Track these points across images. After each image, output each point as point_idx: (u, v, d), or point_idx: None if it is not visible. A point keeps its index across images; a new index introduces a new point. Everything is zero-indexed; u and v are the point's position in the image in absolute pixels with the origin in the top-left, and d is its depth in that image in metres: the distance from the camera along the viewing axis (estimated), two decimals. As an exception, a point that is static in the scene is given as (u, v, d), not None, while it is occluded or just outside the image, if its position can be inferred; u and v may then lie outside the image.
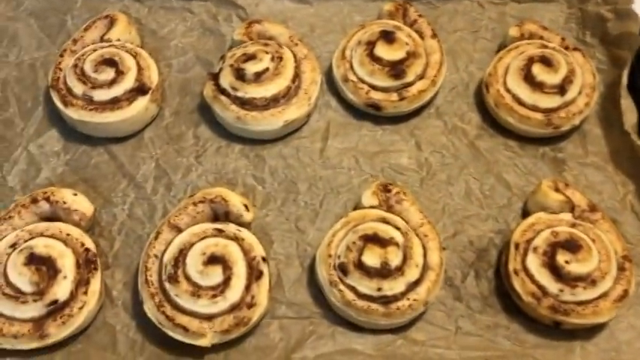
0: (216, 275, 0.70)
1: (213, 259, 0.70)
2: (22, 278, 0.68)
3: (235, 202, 0.76)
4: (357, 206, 0.80)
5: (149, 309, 0.71)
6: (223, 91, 0.84)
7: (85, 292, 0.70)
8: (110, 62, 0.82)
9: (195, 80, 0.90)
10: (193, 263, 0.70)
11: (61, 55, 0.85)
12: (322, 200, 0.82)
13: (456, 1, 0.97)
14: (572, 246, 0.73)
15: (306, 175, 0.84)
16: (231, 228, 0.74)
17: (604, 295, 0.71)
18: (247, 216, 0.76)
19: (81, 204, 0.76)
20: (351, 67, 0.87)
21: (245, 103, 0.83)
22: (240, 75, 0.83)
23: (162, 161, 0.84)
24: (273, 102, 0.83)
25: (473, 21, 0.96)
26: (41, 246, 0.70)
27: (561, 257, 0.72)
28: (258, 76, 0.83)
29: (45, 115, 0.87)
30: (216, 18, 0.95)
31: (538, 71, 0.84)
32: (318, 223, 0.81)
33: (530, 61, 0.86)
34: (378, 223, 0.74)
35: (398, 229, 0.74)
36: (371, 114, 0.87)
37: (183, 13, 0.95)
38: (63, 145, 0.85)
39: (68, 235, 0.73)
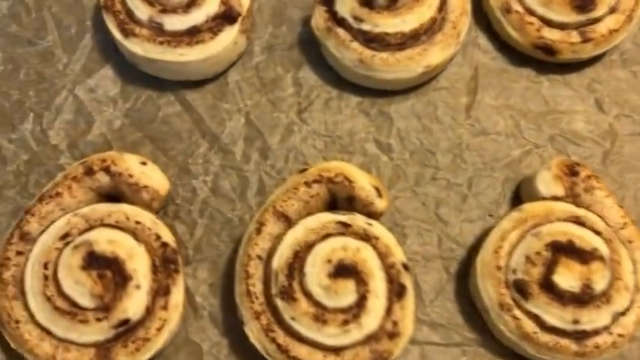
0: (347, 293, 0.50)
1: (342, 270, 0.50)
2: (80, 288, 0.49)
3: (364, 183, 0.54)
4: (526, 192, 0.58)
5: (252, 332, 0.51)
6: (341, 22, 0.60)
7: (165, 307, 0.51)
8: (186, -25, 0.59)
9: (294, 2, 0.67)
10: (316, 274, 0.50)
11: (116, -37, 0.62)
12: (471, 179, 0.61)
13: None
14: None
15: (448, 143, 0.62)
16: (358, 221, 0.54)
17: None
18: (380, 204, 0.55)
19: (153, 178, 0.55)
20: (518, -8, 0.62)
21: (372, 40, 0.59)
22: (366, 0, 0.59)
23: (254, 116, 0.63)
24: (411, 39, 0.60)
25: None
26: (104, 242, 0.50)
27: None
28: (393, 2, 0.59)
29: (95, 46, 0.64)
30: None
31: None
32: (466, 211, 0.60)
33: None
34: (570, 224, 0.53)
35: (598, 233, 0.53)
36: (534, 58, 0.64)
37: None
38: (120, 89, 0.63)
39: (138, 223, 0.53)
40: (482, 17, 0.66)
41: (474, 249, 0.58)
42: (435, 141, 0.62)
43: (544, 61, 0.64)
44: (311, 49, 0.65)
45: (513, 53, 0.66)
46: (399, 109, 0.63)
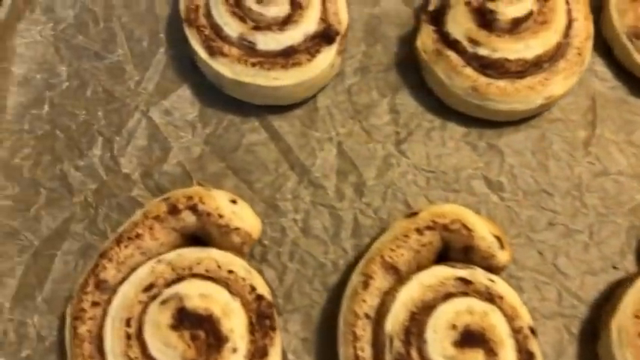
0: (477, 366, 0.44)
1: (469, 338, 0.44)
2: (171, 351, 0.42)
3: (484, 232, 0.48)
4: (660, 243, 0.52)
5: (362, 405, 0.45)
6: (453, 44, 0.54)
7: (263, 373, 0.45)
8: (283, -12, 0.52)
9: (390, 18, 0.61)
10: (439, 342, 0.43)
11: (199, -31, 0.55)
12: (592, 225, 0.54)
13: None
14: None
15: (567, 184, 0.55)
16: (480, 277, 0.47)
17: None
18: (502, 256, 0.48)
19: (245, 219, 0.48)
20: (649, 15, 0.55)
21: (488, 67, 0.53)
22: (485, 21, 0.52)
23: (347, 146, 0.56)
24: (533, 67, 0.53)
25: None
26: (196, 296, 0.44)
27: None
28: (516, 25, 0.52)
29: (170, 63, 0.58)
30: None
31: None
32: (588, 262, 0.53)
33: None
34: None
35: None
36: (658, 88, 0.57)
37: None
38: (199, 112, 0.57)
39: (231, 272, 0.46)
40: (600, 42, 0.60)
41: (600, 307, 0.51)
42: (551, 180, 0.56)
43: (671, 91, 0.58)
44: (410, 71, 0.58)
45: (633, 82, 0.59)
46: (510, 142, 0.57)
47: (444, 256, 0.50)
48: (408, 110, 0.58)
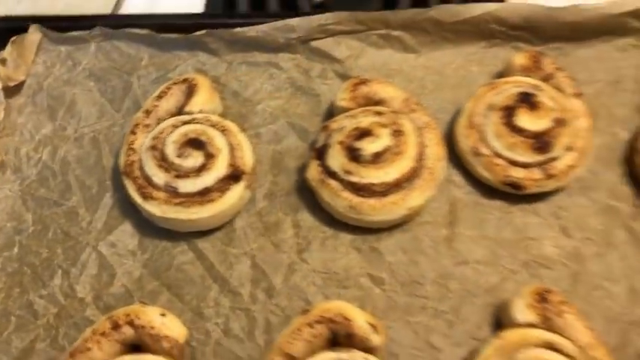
0: None
1: (346, 407, 0.56)
2: None
3: (360, 322, 0.61)
4: (505, 318, 0.65)
5: None
6: (333, 174, 0.69)
7: None
8: (196, 143, 0.68)
9: (290, 153, 0.76)
10: (323, 414, 0.56)
11: (133, 132, 0.71)
12: (456, 306, 0.68)
13: (590, 44, 0.82)
14: None
15: (433, 274, 0.69)
16: (357, 357, 0.60)
17: None
18: (375, 339, 0.61)
19: (171, 328, 0.62)
20: (484, 138, 0.71)
21: (360, 189, 0.68)
22: (354, 156, 0.68)
23: (259, 259, 0.70)
24: (394, 187, 0.68)
25: (612, 69, 0.80)
26: (131, 394, 0.57)
27: None
28: (377, 157, 0.68)
29: (115, 204, 0.73)
30: (308, 74, 0.80)
31: None
32: (453, 336, 0.66)
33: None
34: (543, 350, 0.59)
35: (570, 357, 0.59)
36: (502, 191, 0.73)
37: (269, 69, 0.80)
38: (138, 242, 0.71)
39: (163, 372, 0.59)
40: (455, 157, 0.76)
41: (464, 373, 0.64)
42: (421, 272, 0.69)
43: (513, 193, 0.73)
44: (307, 194, 0.73)
45: (485, 187, 0.74)
46: (387, 245, 0.71)
47: (335, 341, 0.63)
48: (306, 225, 0.72)
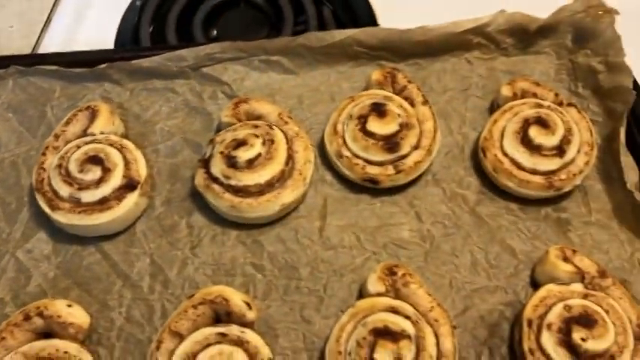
0: (227, 391, 0.67)
1: (221, 373, 0.68)
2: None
3: (236, 301, 0.73)
4: (363, 291, 0.77)
5: None
6: (215, 180, 0.81)
7: (89, 417, 0.67)
8: (95, 160, 0.79)
9: (185, 165, 0.88)
10: (199, 381, 0.67)
11: (44, 154, 0.82)
12: (326, 285, 0.80)
13: (444, 59, 0.96)
14: (587, 321, 0.71)
15: (307, 259, 0.81)
16: (234, 330, 0.71)
17: (623, 372, 0.70)
18: (250, 315, 0.73)
19: (76, 316, 0.73)
20: (344, 142, 0.84)
21: (239, 191, 0.80)
22: (231, 163, 0.80)
23: (157, 256, 0.81)
24: (267, 187, 0.80)
25: (462, 79, 0.95)
26: (39, 373, 0.67)
27: (577, 335, 0.70)
28: (251, 163, 0.80)
29: (31, 217, 0.83)
30: (200, 96, 0.92)
31: (535, 134, 0.83)
32: (323, 310, 0.78)
33: (526, 123, 0.84)
34: (388, 313, 0.72)
35: (408, 318, 0.71)
36: (365, 186, 0.85)
37: (166, 93, 0.93)
38: (52, 248, 0.81)
39: (66, 352, 0.69)
40: (326, 160, 0.88)
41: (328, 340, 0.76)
42: (297, 258, 0.81)
43: (375, 188, 0.86)
44: (199, 199, 0.84)
45: (351, 184, 0.87)
46: (268, 237, 0.83)
47: (218, 320, 0.75)
48: (198, 225, 0.84)
